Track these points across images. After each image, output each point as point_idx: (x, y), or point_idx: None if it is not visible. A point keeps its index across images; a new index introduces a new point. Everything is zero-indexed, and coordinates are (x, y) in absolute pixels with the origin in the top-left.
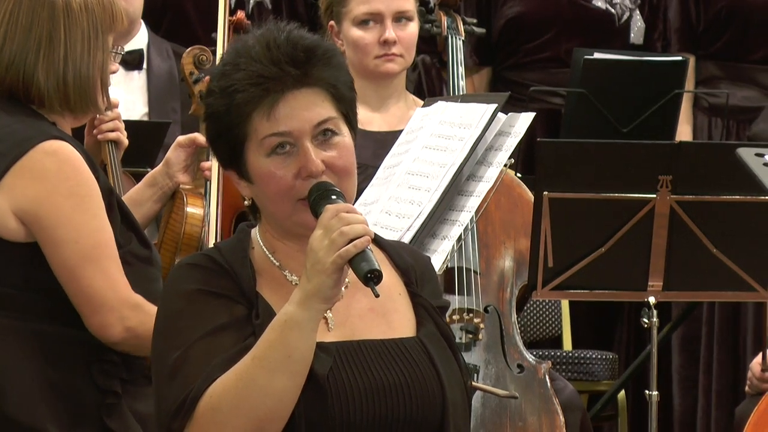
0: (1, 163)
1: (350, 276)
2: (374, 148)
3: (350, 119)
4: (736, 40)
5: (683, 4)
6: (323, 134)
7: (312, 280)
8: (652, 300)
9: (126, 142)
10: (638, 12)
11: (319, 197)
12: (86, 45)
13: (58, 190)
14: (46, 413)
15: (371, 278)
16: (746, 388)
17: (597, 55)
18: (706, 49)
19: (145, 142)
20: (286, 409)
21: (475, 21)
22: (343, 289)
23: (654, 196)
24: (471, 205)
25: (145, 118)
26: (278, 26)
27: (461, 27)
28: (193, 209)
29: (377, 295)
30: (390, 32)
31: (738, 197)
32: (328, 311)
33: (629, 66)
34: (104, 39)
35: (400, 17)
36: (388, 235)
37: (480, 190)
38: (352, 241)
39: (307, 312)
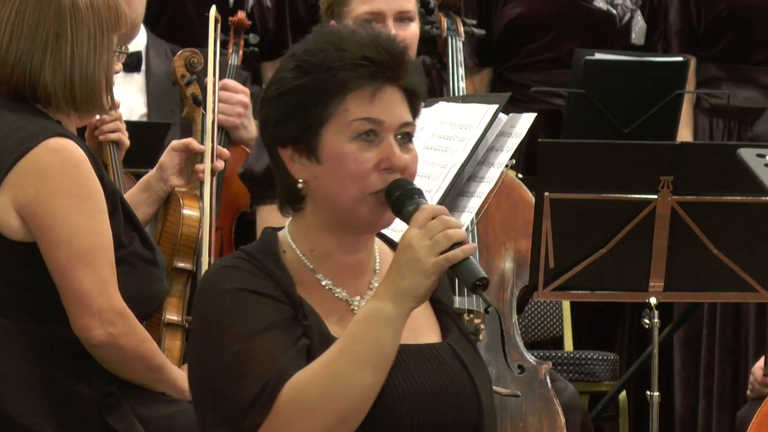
0: (6, 159)
1: (379, 281)
2: None
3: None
4: (737, 41)
5: (684, 5)
6: (403, 137)
7: (407, 278)
8: (653, 300)
9: (127, 142)
10: (639, 13)
11: (404, 195)
12: (92, 44)
13: (58, 189)
14: (45, 414)
15: (479, 285)
16: (748, 392)
17: (598, 56)
18: (707, 51)
19: (146, 143)
20: (369, 403)
21: (474, 22)
22: (371, 293)
23: (655, 196)
24: (472, 205)
25: (144, 119)
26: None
27: (461, 28)
28: (190, 211)
29: (489, 304)
30: (391, 32)
31: (739, 198)
32: None
33: (630, 67)
34: (109, 38)
35: (401, 17)
36: (390, 235)
37: (481, 190)
38: (455, 245)
39: (399, 309)
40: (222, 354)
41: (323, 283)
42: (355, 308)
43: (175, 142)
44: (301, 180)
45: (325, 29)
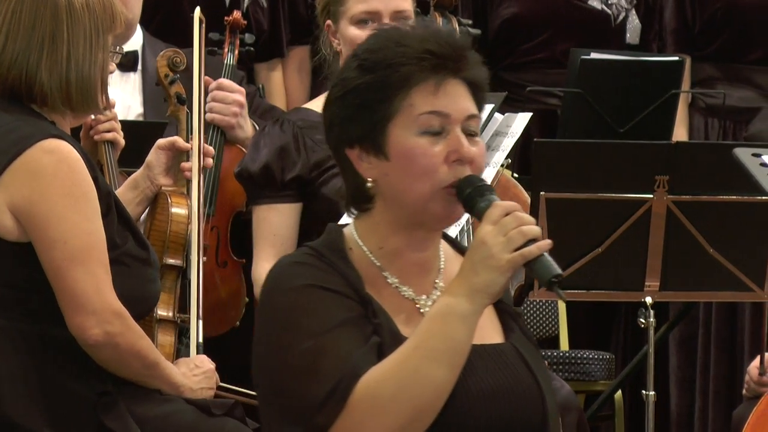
0: (1, 160)
1: (442, 281)
2: None
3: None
4: (732, 40)
5: (679, 5)
6: (468, 129)
7: (481, 275)
8: (648, 300)
9: (122, 142)
10: (634, 12)
11: (474, 192)
12: (88, 44)
13: (53, 189)
14: (41, 414)
15: (555, 282)
16: (743, 391)
17: (594, 56)
18: (702, 50)
19: (142, 143)
20: (442, 401)
21: (470, 22)
22: (437, 292)
23: (651, 196)
24: None
25: (141, 119)
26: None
27: (457, 28)
28: (178, 209)
29: (565, 300)
30: None
31: (735, 197)
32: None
33: (626, 66)
34: (105, 38)
35: (397, 17)
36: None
37: None
38: (530, 241)
39: (473, 306)
40: (292, 351)
41: (390, 282)
42: (421, 307)
43: (161, 141)
44: (370, 179)
45: (385, 28)
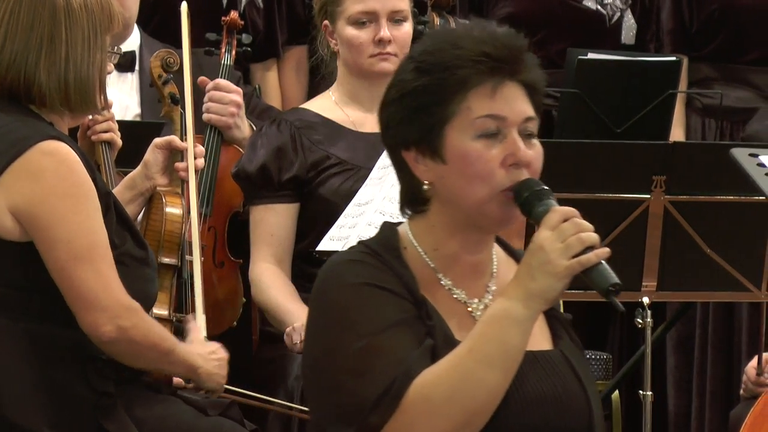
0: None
1: (495, 284)
2: (367, 150)
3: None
4: (729, 41)
5: (676, 5)
6: (526, 132)
7: (538, 280)
8: (646, 300)
9: (120, 142)
10: (629, 12)
11: (534, 196)
12: (86, 45)
13: (54, 191)
14: (41, 414)
15: (613, 291)
16: (741, 391)
17: (591, 56)
18: (699, 50)
19: (139, 143)
20: (496, 403)
21: (467, 22)
22: (490, 296)
23: (648, 196)
24: None
25: (138, 119)
26: (490, 23)
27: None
28: (173, 209)
29: (621, 310)
30: (385, 31)
31: (732, 197)
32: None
33: (623, 66)
34: (103, 39)
35: (395, 17)
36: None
37: None
38: (588, 249)
39: (528, 311)
40: (346, 349)
41: (443, 284)
42: (473, 311)
43: (157, 140)
44: (426, 182)
45: (441, 29)
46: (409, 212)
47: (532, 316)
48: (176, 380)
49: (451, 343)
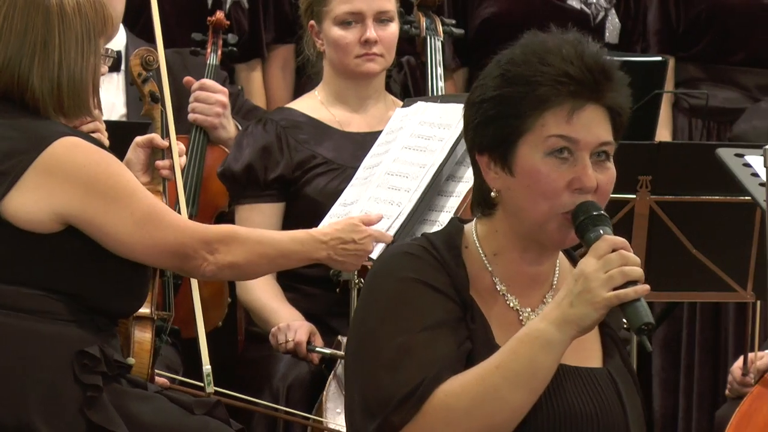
0: (24, 159)
1: (553, 296)
2: (353, 150)
3: (613, 152)
4: (716, 41)
5: (663, 5)
6: (599, 155)
7: (577, 307)
8: None
9: (107, 142)
10: (613, 12)
11: (589, 220)
12: (80, 49)
13: (96, 177)
14: (31, 406)
15: (645, 330)
16: (726, 392)
17: None
18: (686, 51)
19: (124, 142)
20: (516, 422)
21: (453, 22)
22: (543, 307)
23: (633, 196)
24: (451, 205)
25: (124, 119)
26: (584, 36)
27: (440, 28)
28: None
29: (650, 350)
30: (371, 32)
31: (718, 197)
32: None
33: None
34: (96, 43)
35: (381, 17)
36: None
37: (459, 190)
38: (630, 283)
39: (562, 335)
40: (385, 342)
41: (498, 288)
42: (524, 320)
43: (138, 138)
44: (495, 189)
45: (534, 38)
46: (478, 213)
47: (564, 341)
48: (161, 380)
49: (491, 349)
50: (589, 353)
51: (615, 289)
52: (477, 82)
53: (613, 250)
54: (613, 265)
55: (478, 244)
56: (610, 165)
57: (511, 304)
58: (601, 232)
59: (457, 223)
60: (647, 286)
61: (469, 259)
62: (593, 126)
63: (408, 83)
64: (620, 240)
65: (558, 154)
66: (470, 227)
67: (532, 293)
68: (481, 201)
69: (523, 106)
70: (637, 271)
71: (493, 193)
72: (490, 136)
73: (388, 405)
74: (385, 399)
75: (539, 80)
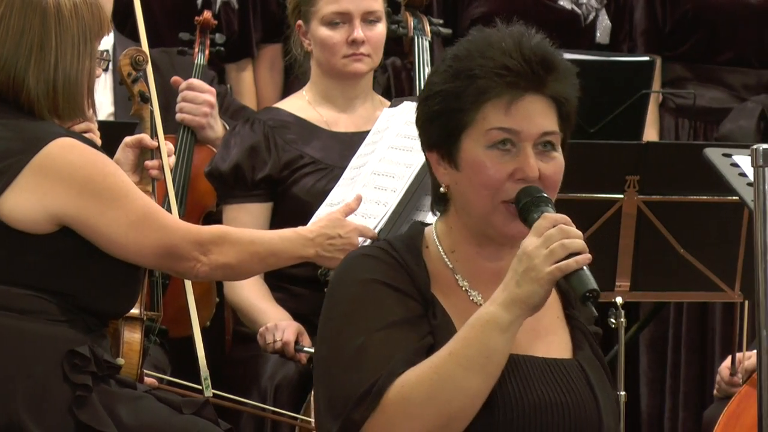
0: (19, 160)
1: None
2: (340, 150)
3: (565, 142)
4: (702, 41)
5: (649, 5)
6: (544, 145)
7: (522, 286)
8: (619, 300)
9: (99, 143)
10: (604, 12)
11: (531, 203)
12: (76, 51)
13: (91, 178)
14: (20, 405)
15: (590, 297)
16: (714, 392)
17: (564, 55)
18: (672, 50)
19: (112, 142)
20: (475, 408)
21: (441, 22)
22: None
23: (621, 196)
24: None
25: (111, 118)
26: (528, 29)
27: (428, 28)
28: None
29: (596, 316)
30: (358, 32)
31: (705, 197)
32: None
33: (596, 66)
34: (92, 45)
35: (368, 17)
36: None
37: None
38: (572, 255)
39: (511, 316)
40: (345, 343)
41: (461, 284)
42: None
43: (128, 139)
44: (443, 185)
45: (480, 33)
46: (436, 211)
47: (514, 322)
48: (149, 380)
49: None
50: (557, 345)
51: (557, 263)
52: (427, 78)
53: (554, 227)
54: (554, 240)
55: (437, 243)
56: (557, 155)
57: (475, 300)
58: (542, 212)
59: (418, 225)
60: (588, 256)
61: (430, 258)
62: (534, 116)
63: (391, 85)
64: (561, 216)
65: (501, 146)
66: (430, 228)
67: (495, 287)
68: (435, 199)
69: (464, 100)
70: (578, 243)
71: (442, 189)
72: (436, 132)
73: (347, 404)
74: (346, 398)
75: (478, 73)
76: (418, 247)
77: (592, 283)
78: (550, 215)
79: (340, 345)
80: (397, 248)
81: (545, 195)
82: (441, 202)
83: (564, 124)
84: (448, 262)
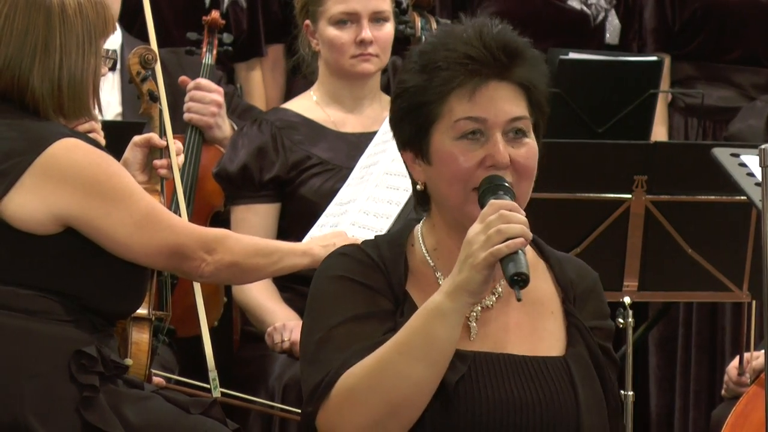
0: (23, 160)
1: (503, 288)
2: (348, 150)
3: (539, 128)
4: (711, 40)
5: (658, 4)
6: (514, 132)
7: (462, 273)
8: (627, 300)
9: (103, 142)
10: (614, 12)
11: (486, 190)
12: (81, 50)
13: (96, 178)
14: (27, 406)
15: (517, 281)
16: (722, 392)
17: (572, 55)
18: (681, 50)
19: (120, 142)
20: (423, 396)
21: (448, 22)
22: (494, 298)
23: (629, 196)
24: None
25: (119, 118)
26: (492, 20)
27: (435, 28)
28: None
29: (519, 299)
30: (366, 32)
31: (713, 197)
32: (473, 321)
33: (604, 66)
34: (97, 44)
35: (376, 17)
36: (366, 235)
37: None
38: (508, 240)
39: (454, 303)
40: (311, 337)
41: (441, 282)
42: (469, 312)
43: (137, 138)
44: (419, 182)
45: (445, 28)
46: (420, 212)
47: (458, 309)
48: (157, 380)
49: None
50: (550, 342)
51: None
52: (396, 78)
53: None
54: (492, 225)
55: (421, 241)
56: (528, 141)
57: None
58: (492, 199)
59: (411, 223)
60: (521, 239)
61: (413, 257)
62: (500, 102)
63: (390, 85)
64: (507, 203)
65: (470, 136)
66: (419, 225)
67: None
68: (417, 198)
69: (430, 93)
70: (515, 227)
71: (418, 186)
72: (407, 130)
73: (306, 395)
74: (306, 391)
75: (441, 65)
76: (402, 244)
77: (520, 267)
78: (497, 202)
79: (307, 339)
80: (379, 245)
81: (503, 183)
82: (424, 202)
83: (535, 110)
84: (430, 261)
